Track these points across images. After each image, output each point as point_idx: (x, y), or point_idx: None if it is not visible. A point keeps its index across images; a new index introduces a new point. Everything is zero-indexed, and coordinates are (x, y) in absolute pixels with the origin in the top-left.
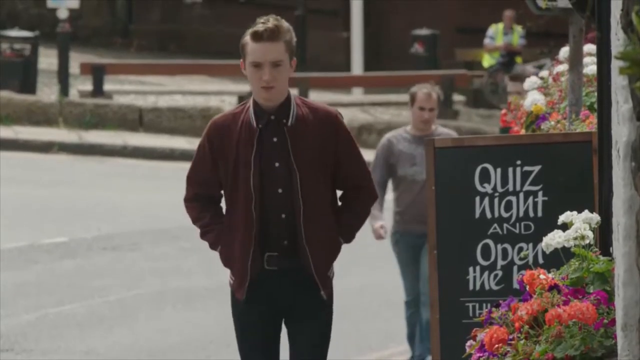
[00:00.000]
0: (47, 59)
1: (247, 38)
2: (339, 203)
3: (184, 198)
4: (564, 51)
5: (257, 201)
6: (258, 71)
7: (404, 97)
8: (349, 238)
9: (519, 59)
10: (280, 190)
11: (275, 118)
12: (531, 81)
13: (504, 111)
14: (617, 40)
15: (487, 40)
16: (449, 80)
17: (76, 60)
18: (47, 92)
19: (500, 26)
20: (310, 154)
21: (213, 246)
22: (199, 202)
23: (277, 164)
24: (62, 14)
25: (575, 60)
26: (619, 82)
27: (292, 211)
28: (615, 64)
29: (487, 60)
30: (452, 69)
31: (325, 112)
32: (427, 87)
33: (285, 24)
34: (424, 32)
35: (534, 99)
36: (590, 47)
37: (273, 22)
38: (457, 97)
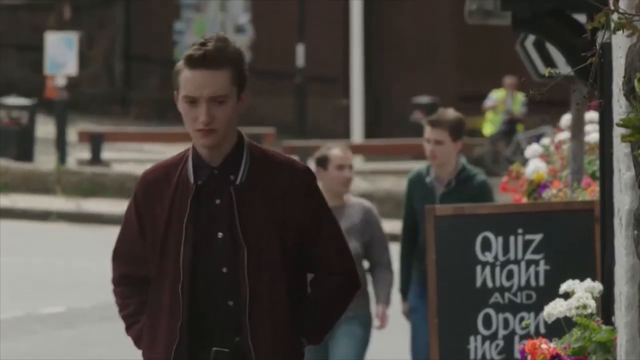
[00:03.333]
0: (45, 126)
1: (180, 63)
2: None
3: (111, 280)
4: (566, 119)
5: (186, 282)
6: (193, 108)
7: (405, 166)
8: (314, 339)
9: (520, 127)
10: (224, 270)
11: (218, 173)
12: (532, 149)
13: (505, 179)
14: (620, 107)
15: (487, 102)
16: None
17: (74, 127)
18: (44, 160)
19: (501, 93)
20: (264, 224)
21: (137, 343)
22: (127, 285)
23: (219, 235)
24: (60, 82)
25: (577, 128)
26: (621, 150)
27: (239, 298)
28: (618, 131)
29: (489, 128)
30: None
31: (291, 167)
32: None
33: (232, 45)
34: (424, 99)
35: (535, 167)
36: (592, 115)
37: (215, 43)
38: None
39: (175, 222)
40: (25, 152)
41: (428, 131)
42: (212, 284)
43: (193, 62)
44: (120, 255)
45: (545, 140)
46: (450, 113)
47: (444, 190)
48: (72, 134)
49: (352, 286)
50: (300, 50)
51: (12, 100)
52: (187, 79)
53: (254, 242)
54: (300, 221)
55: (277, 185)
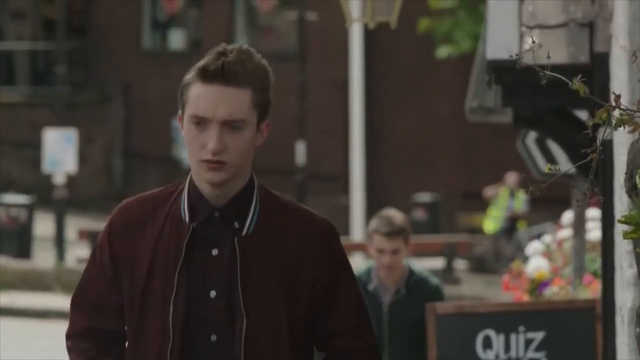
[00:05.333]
0: (44, 223)
1: (191, 75)
2: None
3: (66, 334)
4: (567, 216)
5: (177, 346)
6: (201, 133)
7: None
8: None
9: (522, 224)
10: (213, 338)
11: (220, 217)
12: (533, 247)
13: (506, 278)
14: (621, 204)
15: (488, 190)
16: (451, 247)
17: (73, 225)
18: (43, 258)
19: (503, 190)
20: (271, 287)
21: None
22: (91, 341)
23: (212, 294)
24: (59, 180)
25: (579, 225)
26: (623, 247)
27: None
28: (619, 228)
29: (491, 224)
30: (453, 233)
31: (308, 219)
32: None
33: (257, 59)
34: (425, 197)
35: (537, 265)
36: (593, 212)
37: (237, 55)
38: (460, 263)
39: (161, 271)
40: (23, 249)
41: (382, 242)
42: (201, 352)
43: (208, 74)
44: (84, 304)
45: (547, 238)
46: (400, 218)
47: (392, 298)
48: (70, 232)
49: None
50: (300, 147)
51: (11, 198)
52: (198, 95)
53: (256, 308)
54: (315, 285)
55: (290, 240)
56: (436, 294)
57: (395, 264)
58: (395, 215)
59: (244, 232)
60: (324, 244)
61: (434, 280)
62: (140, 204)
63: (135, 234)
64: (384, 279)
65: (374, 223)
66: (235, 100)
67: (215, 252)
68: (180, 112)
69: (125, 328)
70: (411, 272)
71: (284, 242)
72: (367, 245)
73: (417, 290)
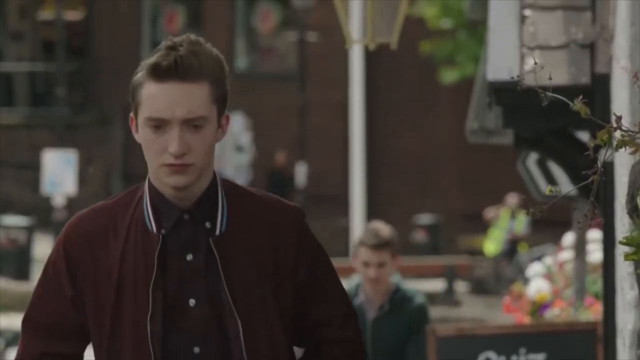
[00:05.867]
0: (43, 245)
1: (141, 75)
2: None
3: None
4: (568, 238)
5: None
6: (159, 136)
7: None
8: None
9: (522, 246)
10: (196, 350)
11: (190, 219)
12: (534, 269)
13: (507, 300)
14: (623, 226)
15: (489, 212)
16: (451, 269)
17: None
18: None
19: (503, 211)
20: (255, 284)
21: None
22: None
23: (191, 302)
24: (58, 201)
25: (580, 247)
26: (624, 269)
27: None
28: (621, 250)
29: (492, 246)
30: (454, 255)
31: (277, 207)
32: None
33: (209, 50)
34: (426, 219)
35: (538, 288)
36: (594, 234)
37: (188, 47)
38: (460, 285)
39: (131, 287)
40: (23, 271)
41: (368, 254)
42: None
43: (161, 71)
44: (38, 325)
45: (548, 259)
46: (387, 230)
47: (376, 314)
48: None
49: (358, 356)
50: (300, 169)
51: (10, 220)
52: (153, 95)
53: (247, 310)
54: (296, 274)
55: (264, 232)
56: (420, 313)
57: (381, 278)
58: (382, 227)
59: (217, 232)
60: (298, 231)
61: (420, 299)
62: (96, 216)
63: (94, 248)
64: (369, 293)
65: (360, 235)
66: (194, 96)
67: (189, 257)
68: (132, 114)
69: (80, 353)
70: (397, 289)
71: (258, 234)
72: (354, 259)
73: (402, 307)
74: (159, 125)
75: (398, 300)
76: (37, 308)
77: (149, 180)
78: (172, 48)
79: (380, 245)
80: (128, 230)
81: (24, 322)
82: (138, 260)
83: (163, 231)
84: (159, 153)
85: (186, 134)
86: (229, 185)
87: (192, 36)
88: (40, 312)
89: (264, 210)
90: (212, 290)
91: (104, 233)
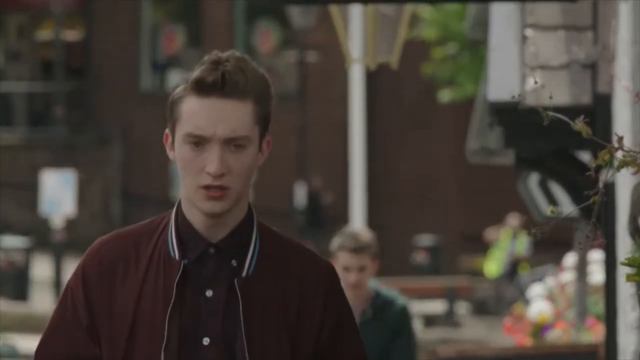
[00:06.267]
0: (42, 266)
1: (181, 89)
2: None
3: None
4: (569, 258)
5: None
6: (199, 154)
7: None
8: None
9: (524, 267)
10: None
11: (216, 253)
12: (535, 290)
13: (508, 321)
14: (624, 246)
15: (490, 233)
16: (452, 290)
17: (71, 267)
18: (41, 301)
19: (504, 232)
20: (274, 333)
21: None
22: None
23: (205, 341)
24: (57, 222)
25: (581, 268)
26: (626, 290)
27: None
28: (622, 271)
29: (494, 266)
30: (455, 276)
31: (310, 260)
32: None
33: (255, 68)
34: (426, 240)
35: (539, 309)
36: (596, 255)
37: (235, 63)
38: (461, 306)
39: (147, 315)
40: (21, 292)
41: (347, 259)
42: None
43: (206, 86)
44: (55, 356)
45: (549, 280)
46: (367, 234)
47: (358, 321)
48: (69, 275)
49: None
50: (299, 189)
51: (9, 241)
52: (195, 111)
53: (261, 358)
54: (318, 331)
55: (291, 283)
56: (404, 315)
57: (361, 283)
58: (360, 231)
59: (244, 273)
60: (326, 287)
61: (401, 301)
62: (118, 242)
63: (114, 275)
64: (350, 299)
65: (339, 240)
66: (238, 115)
67: (209, 293)
68: (168, 131)
69: None
70: (377, 294)
71: (286, 282)
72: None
73: (384, 312)
74: (199, 142)
75: (380, 305)
76: (53, 337)
77: (177, 207)
78: (218, 63)
79: (360, 248)
80: (150, 258)
81: (37, 352)
82: (157, 288)
83: (185, 261)
84: (196, 173)
85: (226, 154)
86: (263, 227)
87: (238, 53)
88: (56, 342)
89: (295, 258)
90: (228, 332)
91: (125, 260)
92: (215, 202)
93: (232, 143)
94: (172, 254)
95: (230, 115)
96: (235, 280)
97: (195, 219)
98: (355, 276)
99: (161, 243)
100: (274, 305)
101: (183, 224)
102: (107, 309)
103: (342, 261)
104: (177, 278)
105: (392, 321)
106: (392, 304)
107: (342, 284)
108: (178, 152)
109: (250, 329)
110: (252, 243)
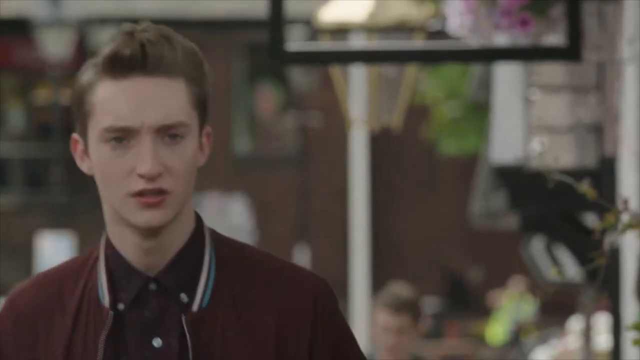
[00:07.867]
0: None
1: (91, 73)
2: None
3: None
4: (573, 322)
5: None
6: (122, 153)
7: None
8: None
9: (531, 330)
10: None
11: (159, 290)
12: (540, 354)
13: None
14: (630, 311)
15: (492, 297)
16: (456, 356)
17: None
18: None
19: (507, 295)
20: None
21: None
22: None
23: None
24: None
25: (587, 333)
26: (633, 354)
27: None
28: (629, 335)
29: (497, 332)
30: (458, 340)
31: (294, 278)
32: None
33: (179, 36)
34: (430, 306)
35: None
36: (601, 319)
37: (155, 31)
38: None
39: None
40: None
41: (385, 318)
42: None
43: (121, 63)
44: None
45: (553, 343)
46: (408, 291)
47: None
48: None
49: None
50: (300, 252)
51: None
52: (111, 98)
53: None
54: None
55: (265, 309)
56: None
57: (399, 347)
58: (403, 288)
59: (195, 307)
60: (313, 304)
61: None
62: (39, 289)
63: (35, 331)
64: None
65: (379, 297)
66: (169, 95)
67: (157, 342)
68: (74, 135)
69: None
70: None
71: (256, 312)
72: (372, 328)
73: None
74: (121, 138)
75: None
76: None
77: (106, 240)
78: (133, 32)
79: (400, 306)
80: (79, 305)
81: None
82: (88, 345)
83: (121, 306)
84: (123, 176)
85: (160, 149)
86: (221, 241)
87: (162, 26)
88: None
89: (271, 279)
90: None
91: (49, 313)
92: (153, 212)
93: (166, 133)
94: (101, 299)
95: (159, 97)
96: (184, 319)
97: (127, 247)
98: (393, 338)
99: (90, 286)
100: (241, 344)
101: (113, 258)
102: None
103: (380, 320)
104: (105, 332)
105: None
106: None
107: (382, 347)
108: (95, 156)
109: None
110: (204, 266)
